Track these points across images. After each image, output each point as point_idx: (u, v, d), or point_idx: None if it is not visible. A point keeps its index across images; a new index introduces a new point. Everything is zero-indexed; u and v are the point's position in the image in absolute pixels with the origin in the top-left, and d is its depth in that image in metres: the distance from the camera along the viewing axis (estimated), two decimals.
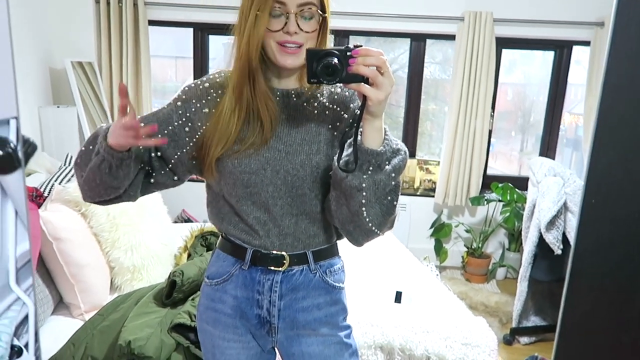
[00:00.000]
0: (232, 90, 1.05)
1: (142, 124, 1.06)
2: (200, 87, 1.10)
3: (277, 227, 1.11)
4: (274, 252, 1.11)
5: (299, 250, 1.13)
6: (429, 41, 3.88)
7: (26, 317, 0.61)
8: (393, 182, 0.99)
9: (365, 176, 0.97)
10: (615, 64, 0.51)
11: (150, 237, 2.23)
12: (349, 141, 1.01)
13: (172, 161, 1.11)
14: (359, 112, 1.07)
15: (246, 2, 1.01)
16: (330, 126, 1.09)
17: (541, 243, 2.70)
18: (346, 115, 1.10)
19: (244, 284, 1.14)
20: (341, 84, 0.99)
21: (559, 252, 2.60)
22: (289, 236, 1.11)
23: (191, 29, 3.83)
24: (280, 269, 1.12)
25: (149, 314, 1.79)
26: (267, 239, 1.11)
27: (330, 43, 1.09)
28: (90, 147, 1.04)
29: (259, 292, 1.13)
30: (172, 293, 1.88)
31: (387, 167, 0.98)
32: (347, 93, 1.12)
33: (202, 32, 3.84)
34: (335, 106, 1.10)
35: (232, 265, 1.15)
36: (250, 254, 1.12)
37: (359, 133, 0.97)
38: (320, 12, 1.01)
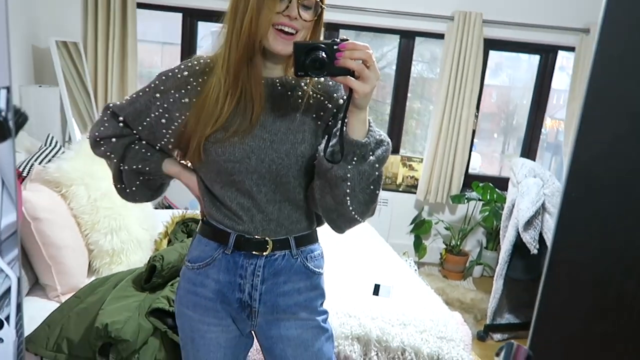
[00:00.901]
0: (225, 72, 1.04)
1: (122, 117, 1.15)
2: (179, 75, 1.10)
3: (261, 213, 1.12)
4: (257, 237, 1.13)
5: (281, 235, 1.14)
6: (417, 40, 3.90)
7: (8, 290, 0.61)
8: (377, 173, 1.02)
9: (350, 167, 0.99)
10: (602, 60, 0.53)
11: (131, 222, 2.21)
12: (334, 131, 1.02)
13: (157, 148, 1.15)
14: (343, 102, 1.09)
15: None
16: (314, 115, 1.11)
17: (518, 242, 2.75)
18: (330, 105, 1.12)
19: (227, 268, 1.14)
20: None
21: (535, 251, 2.66)
22: (272, 222, 1.13)
23: (180, 15, 3.79)
24: (263, 253, 1.13)
25: (127, 298, 1.78)
26: (251, 224, 1.12)
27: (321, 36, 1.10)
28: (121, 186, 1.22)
29: (242, 276, 1.14)
30: (151, 278, 1.87)
31: (371, 157, 1.00)
32: (330, 82, 1.13)
33: (192, 18, 3.80)
34: (319, 95, 1.12)
35: (215, 250, 1.15)
36: (234, 238, 1.13)
37: (345, 124, 0.99)
38: (320, 3, 1.02)
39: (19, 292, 0.62)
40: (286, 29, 1.00)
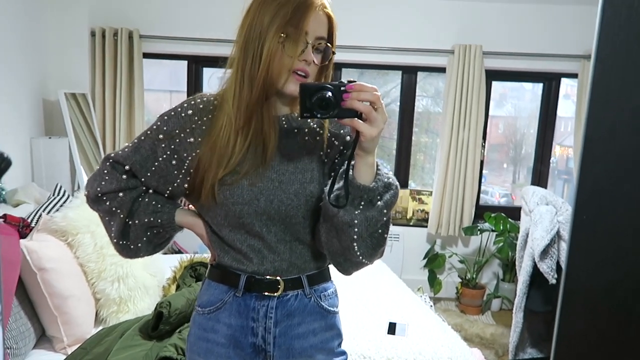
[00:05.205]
0: (236, 111, 1.02)
1: (127, 167, 1.09)
2: (182, 114, 1.06)
3: (273, 254, 1.08)
4: (268, 277, 1.09)
5: (293, 275, 1.10)
6: (420, 75, 3.94)
7: None
8: (384, 218, 0.98)
9: (357, 212, 0.96)
10: (601, 81, 0.51)
11: (137, 268, 2.18)
12: (339, 173, 0.99)
13: (166, 195, 1.12)
14: (349, 139, 1.06)
15: (260, 23, 0.98)
16: (321, 153, 1.08)
17: (535, 273, 2.67)
18: (337, 142, 1.09)
19: (238, 312, 1.10)
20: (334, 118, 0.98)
21: (554, 281, 2.57)
22: (284, 262, 1.09)
23: (185, 62, 3.87)
24: (275, 294, 1.09)
25: (134, 347, 1.74)
26: (261, 266, 1.09)
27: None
28: (124, 243, 1.12)
29: (254, 319, 1.09)
30: (158, 325, 1.83)
31: (379, 202, 0.97)
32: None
33: (197, 64, 3.88)
34: (325, 132, 1.09)
35: (225, 293, 1.11)
36: (244, 280, 1.09)
37: (351, 167, 0.96)
38: (331, 48, 1.03)
39: (3, 341, 0.59)
40: (300, 73, 0.99)
